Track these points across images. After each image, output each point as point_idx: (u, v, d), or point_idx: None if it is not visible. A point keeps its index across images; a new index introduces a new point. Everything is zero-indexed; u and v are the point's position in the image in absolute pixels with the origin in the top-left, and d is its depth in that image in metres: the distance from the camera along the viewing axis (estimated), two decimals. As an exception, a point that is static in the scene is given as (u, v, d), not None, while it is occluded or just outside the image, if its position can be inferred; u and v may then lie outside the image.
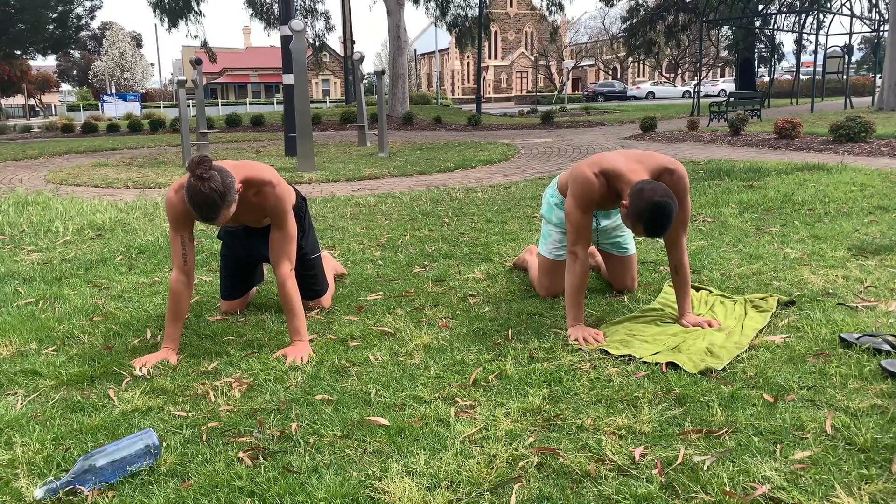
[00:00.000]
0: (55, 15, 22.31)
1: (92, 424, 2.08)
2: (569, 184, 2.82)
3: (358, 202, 6.29)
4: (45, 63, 65.22)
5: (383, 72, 12.94)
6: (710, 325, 2.74)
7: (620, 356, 2.48)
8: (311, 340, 2.72)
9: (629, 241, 3.26)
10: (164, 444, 1.95)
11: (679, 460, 1.76)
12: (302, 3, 26.89)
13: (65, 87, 66.24)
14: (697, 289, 3.22)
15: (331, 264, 3.53)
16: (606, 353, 2.52)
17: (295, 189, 3.09)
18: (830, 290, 3.11)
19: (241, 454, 1.88)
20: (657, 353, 2.49)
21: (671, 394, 2.16)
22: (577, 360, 2.45)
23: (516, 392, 2.22)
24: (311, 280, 3.12)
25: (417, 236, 4.70)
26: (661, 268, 3.66)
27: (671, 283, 3.27)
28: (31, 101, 51.41)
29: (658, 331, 2.72)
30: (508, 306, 3.11)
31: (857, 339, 2.44)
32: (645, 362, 2.41)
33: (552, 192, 3.24)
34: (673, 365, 2.37)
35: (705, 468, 1.72)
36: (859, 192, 5.49)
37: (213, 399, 2.25)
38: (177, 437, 2.00)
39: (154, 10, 22.81)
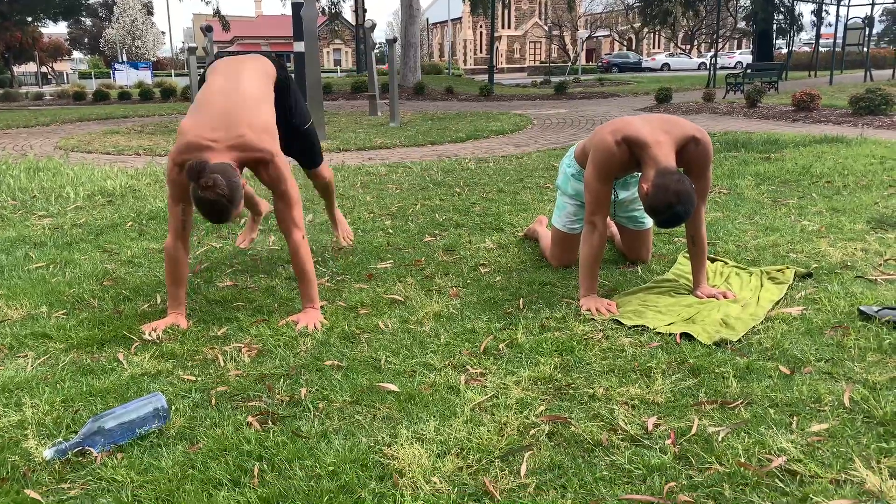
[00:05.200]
0: (66, -20, 22.13)
1: (101, 387, 2.08)
2: (589, 151, 2.75)
3: (369, 171, 6.24)
4: (56, 30, 65.02)
5: (395, 40, 12.77)
6: (724, 297, 2.69)
7: (633, 326, 2.45)
8: (321, 307, 2.70)
9: (646, 214, 3.19)
10: (173, 407, 1.94)
11: (693, 431, 1.74)
12: (314, -30, 26.57)
13: (76, 54, 66.06)
14: (713, 260, 3.17)
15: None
16: (619, 323, 2.49)
17: (277, 62, 2.94)
18: (849, 263, 3.05)
19: (249, 418, 1.87)
20: (671, 323, 2.45)
21: (685, 364, 2.13)
22: (590, 330, 2.42)
23: (527, 361, 2.19)
24: (309, 150, 3.18)
25: (428, 206, 4.66)
26: (676, 238, 3.60)
27: (686, 254, 3.22)
28: (43, 69, 51.32)
29: (672, 301, 2.68)
30: (520, 276, 3.08)
31: (877, 312, 2.39)
32: (658, 333, 2.38)
33: (569, 162, 3.17)
34: (687, 336, 2.34)
35: (720, 439, 1.70)
36: (879, 165, 5.39)
37: (222, 364, 2.24)
38: (186, 400, 1.99)
39: (165, -23, 22.56)
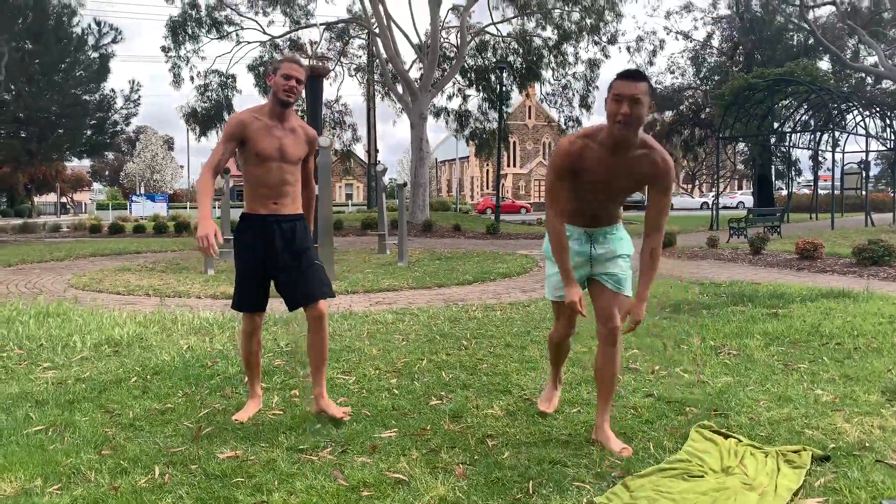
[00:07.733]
0: (93, 121, 23.27)
1: (88, 586, 1.97)
2: None
3: (375, 319, 6.25)
4: (79, 163, 67.76)
5: (405, 184, 13.24)
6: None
7: (648, 519, 2.35)
8: (321, 486, 2.62)
9: (626, 281, 3.15)
10: None
11: None
12: (332, 116, 28.16)
13: (96, 185, 68.47)
14: (726, 436, 3.09)
15: None
16: (633, 514, 2.39)
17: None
18: (867, 444, 2.97)
19: None
20: (686, 515, 2.35)
21: (704, 569, 2.02)
22: (602, 523, 2.32)
23: (537, 561, 2.08)
24: (322, 273, 3.45)
25: (435, 361, 4.62)
26: (687, 409, 3.53)
27: (698, 428, 3.15)
28: (63, 199, 53.00)
29: (686, 487, 2.58)
30: (528, 451, 2.99)
31: (901, 508, 2.30)
32: (674, 527, 2.28)
33: None
34: (704, 532, 2.23)
35: None
36: (888, 325, 5.37)
37: (217, 558, 2.13)
38: None
39: (187, 121, 23.80)
